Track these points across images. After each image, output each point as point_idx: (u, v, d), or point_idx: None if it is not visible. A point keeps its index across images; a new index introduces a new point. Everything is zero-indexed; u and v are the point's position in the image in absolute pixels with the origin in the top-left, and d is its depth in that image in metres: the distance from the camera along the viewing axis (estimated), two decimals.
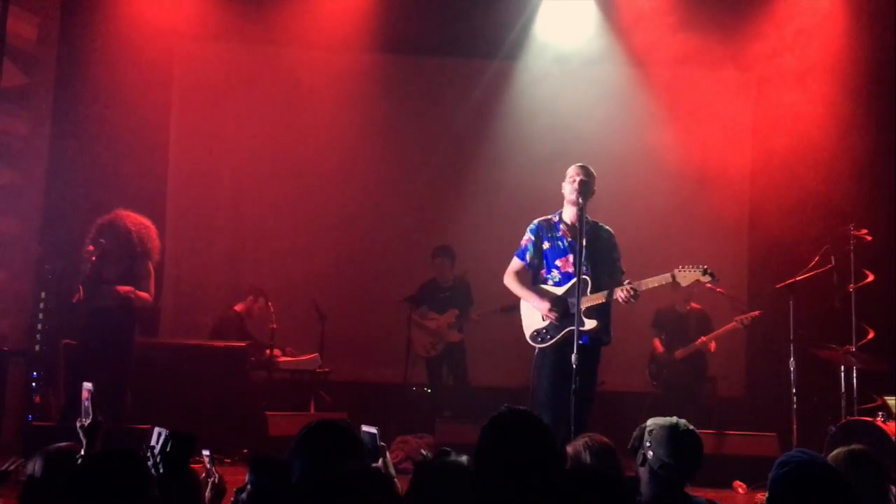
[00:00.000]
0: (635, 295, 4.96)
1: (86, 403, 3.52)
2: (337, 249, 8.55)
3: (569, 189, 5.11)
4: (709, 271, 4.99)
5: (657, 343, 7.50)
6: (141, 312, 6.28)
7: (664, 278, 5.01)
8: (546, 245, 5.21)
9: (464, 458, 2.92)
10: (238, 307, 7.95)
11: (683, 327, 7.42)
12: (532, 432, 2.65)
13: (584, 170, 5.13)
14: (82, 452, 3.24)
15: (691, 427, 2.98)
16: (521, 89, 8.56)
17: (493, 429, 2.70)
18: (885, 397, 6.29)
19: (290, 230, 8.58)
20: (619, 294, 4.96)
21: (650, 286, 5.02)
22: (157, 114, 8.29)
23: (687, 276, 5.00)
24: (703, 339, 7.29)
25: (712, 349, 7.35)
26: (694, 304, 7.49)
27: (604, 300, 5.02)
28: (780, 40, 8.15)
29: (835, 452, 3.13)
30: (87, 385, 3.59)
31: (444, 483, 2.76)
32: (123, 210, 6.23)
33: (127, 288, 6.03)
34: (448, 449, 2.97)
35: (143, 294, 6.15)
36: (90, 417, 3.47)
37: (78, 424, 3.49)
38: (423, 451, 3.28)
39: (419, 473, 2.85)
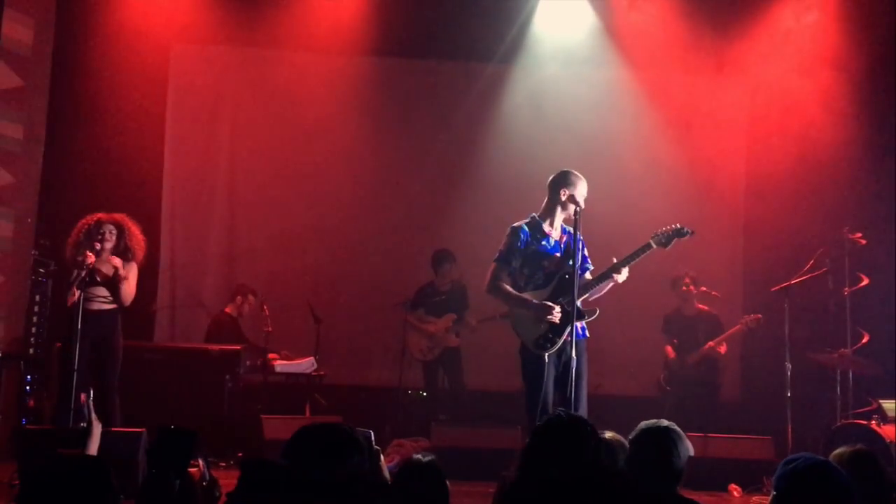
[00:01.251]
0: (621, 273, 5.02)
1: (84, 409, 3.52)
2: (332, 253, 8.54)
3: (566, 194, 5.11)
4: (685, 230, 5.03)
5: (669, 350, 7.48)
6: (123, 314, 6.22)
7: (644, 248, 5.03)
8: (533, 247, 5.20)
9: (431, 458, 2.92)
10: (227, 309, 7.94)
11: (693, 331, 7.40)
12: (583, 441, 2.62)
13: (577, 175, 5.19)
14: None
15: (671, 427, 2.98)
16: (516, 93, 8.57)
17: (543, 433, 2.65)
18: (880, 401, 6.30)
19: (285, 233, 8.56)
20: (616, 277, 5.00)
21: (632, 261, 5.02)
22: (153, 116, 8.29)
23: (663, 238, 5.04)
24: (712, 343, 7.26)
25: (723, 352, 7.34)
26: (702, 307, 7.47)
27: (593, 286, 5.05)
28: (773, 44, 8.17)
29: (839, 451, 3.11)
30: (85, 390, 3.59)
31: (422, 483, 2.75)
32: (124, 215, 6.25)
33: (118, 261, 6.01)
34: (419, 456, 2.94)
35: (128, 287, 6.08)
36: (86, 422, 3.47)
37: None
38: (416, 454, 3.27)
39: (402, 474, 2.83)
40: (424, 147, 8.63)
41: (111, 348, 6.02)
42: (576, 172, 5.21)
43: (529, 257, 5.16)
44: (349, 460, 2.65)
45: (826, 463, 2.57)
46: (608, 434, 3.32)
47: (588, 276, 5.18)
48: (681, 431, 3.01)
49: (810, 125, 7.91)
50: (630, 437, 3.03)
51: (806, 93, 7.99)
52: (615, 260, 5.06)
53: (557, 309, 4.99)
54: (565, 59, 8.44)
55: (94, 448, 3.73)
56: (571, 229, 5.13)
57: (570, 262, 4.98)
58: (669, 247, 5.09)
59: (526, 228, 5.21)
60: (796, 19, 8.12)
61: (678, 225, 5.06)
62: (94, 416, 3.53)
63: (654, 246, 5.05)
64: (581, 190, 5.12)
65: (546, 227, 5.20)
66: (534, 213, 5.24)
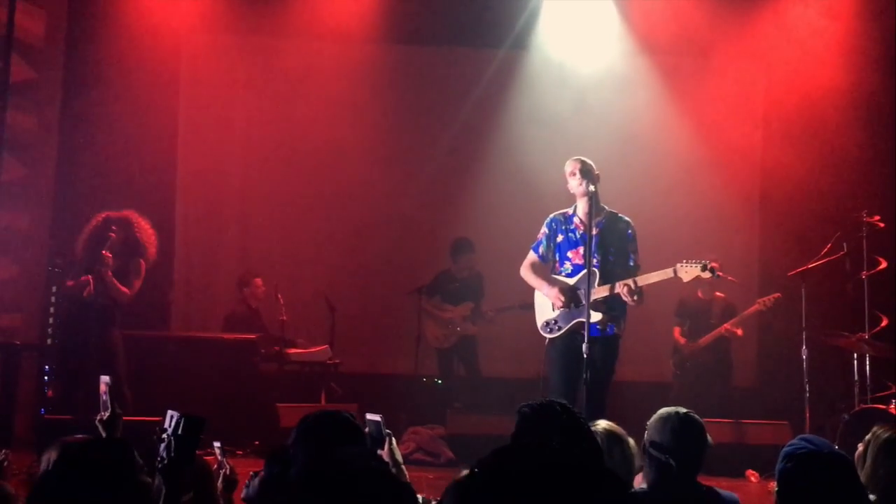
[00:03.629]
0: (636, 291, 4.93)
1: (104, 397, 3.52)
2: (346, 241, 8.55)
3: (574, 183, 5.11)
4: (709, 267, 4.95)
5: (677, 332, 7.46)
6: (121, 306, 6.20)
7: (665, 273, 4.99)
8: (560, 238, 5.22)
9: None
10: (236, 302, 7.93)
11: (706, 315, 7.38)
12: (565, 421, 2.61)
13: (580, 160, 5.12)
14: None
15: (692, 415, 2.97)
16: (529, 78, 8.52)
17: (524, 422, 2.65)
18: None
19: (299, 222, 8.57)
20: (620, 289, 4.94)
21: (650, 281, 5.00)
22: (166, 107, 8.30)
23: (688, 271, 4.98)
24: (728, 325, 7.22)
25: (739, 334, 7.30)
26: (718, 293, 7.43)
27: (608, 293, 5.01)
28: (790, 28, 8.08)
29: (879, 432, 3.05)
30: (105, 378, 3.59)
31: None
32: (132, 211, 6.26)
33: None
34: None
35: (123, 287, 6.05)
36: (108, 411, 3.48)
37: (97, 419, 3.49)
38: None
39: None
40: (439, 135, 8.60)
41: (107, 340, 6.01)
42: (577, 157, 5.16)
43: (557, 247, 5.20)
44: (352, 448, 2.64)
45: (827, 452, 2.55)
46: (602, 424, 3.28)
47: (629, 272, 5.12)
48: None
49: (827, 108, 7.83)
50: (648, 423, 3.00)
51: (823, 75, 7.91)
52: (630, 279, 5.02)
53: (560, 299, 5.00)
54: (578, 44, 8.38)
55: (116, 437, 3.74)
56: (607, 221, 5.11)
57: (596, 256, 4.96)
58: (688, 279, 5.03)
59: (556, 219, 5.24)
60: (812, 3, 8.03)
61: (705, 262, 4.96)
62: (115, 405, 3.53)
63: (676, 275, 4.99)
64: (580, 176, 5.05)
65: (575, 219, 5.19)
66: (575, 205, 5.22)
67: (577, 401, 4.73)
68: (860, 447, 3.04)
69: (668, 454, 2.88)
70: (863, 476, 2.93)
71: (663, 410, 3.01)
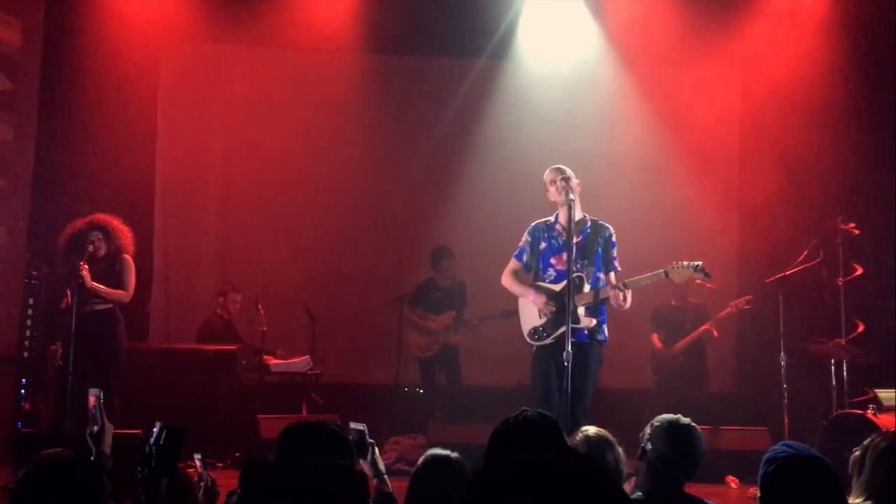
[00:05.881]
0: (623, 291, 4.95)
1: (93, 410, 3.48)
2: (326, 251, 8.53)
3: (554, 191, 5.14)
4: (702, 268, 4.98)
5: (655, 339, 7.52)
6: (123, 313, 6.17)
7: (657, 276, 5.01)
8: (542, 245, 5.25)
9: (454, 454, 2.89)
10: (217, 310, 7.91)
11: (681, 321, 7.44)
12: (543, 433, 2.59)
13: (559, 169, 5.15)
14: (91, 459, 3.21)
15: (693, 424, 2.99)
16: (508, 88, 8.55)
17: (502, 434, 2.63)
18: (876, 390, 6.31)
19: (279, 232, 8.55)
20: (611, 293, 4.97)
21: (642, 284, 5.03)
22: (144, 117, 8.26)
23: (680, 273, 4.99)
24: (707, 325, 7.28)
25: (715, 335, 7.35)
26: (692, 299, 7.50)
27: (593, 300, 5.03)
28: (765, 35, 8.16)
29: (875, 441, 3.06)
30: (94, 391, 3.55)
31: (435, 480, 2.73)
32: (102, 214, 6.20)
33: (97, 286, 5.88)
34: (436, 451, 2.92)
35: (116, 291, 6.01)
36: (98, 424, 3.44)
37: (87, 432, 3.45)
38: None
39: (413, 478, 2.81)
40: (417, 145, 8.61)
41: (108, 349, 5.95)
42: (556, 166, 5.19)
43: (540, 255, 5.22)
44: (340, 457, 2.63)
45: (808, 456, 2.58)
46: (591, 430, 3.28)
47: (613, 278, 5.16)
48: (698, 429, 3.01)
49: (803, 117, 7.91)
50: (650, 431, 3.00)
51: (799, 84, 7.99)
52: (621, 281, 5.05)
53: (549, 306, 5.02)
54: (555, 53, 8.43)
55: (106, 451, 3.70)
56: (590, 228, 5.15)
57: (580, 263, 4.98)
58: (680, 281, 5.06)
59: (538, 226, 5.26)
60: (786, 9, 8.11)
61: (697, 264, 4.96)
62: (105, 418, 3.50)
63: (668, 277, 5.00)
64: (559, 185, 5.08)
65: (557, 226, 5.21)
66: (556, 213, 5.25)
67: (563, 407, 4.74)
68: (856, 452, 3.03)
69: (672, 465, 2.89)
70: (860, 482, 2.95)
71: (665, 418, 3.01)
